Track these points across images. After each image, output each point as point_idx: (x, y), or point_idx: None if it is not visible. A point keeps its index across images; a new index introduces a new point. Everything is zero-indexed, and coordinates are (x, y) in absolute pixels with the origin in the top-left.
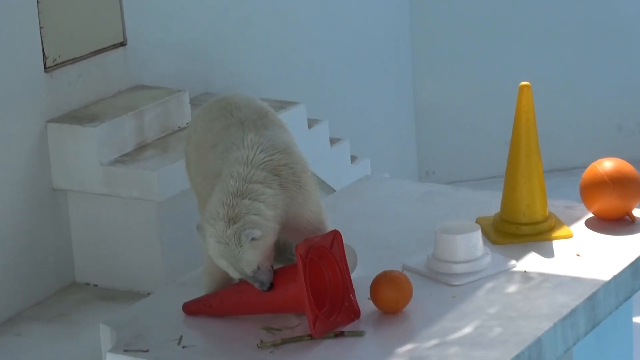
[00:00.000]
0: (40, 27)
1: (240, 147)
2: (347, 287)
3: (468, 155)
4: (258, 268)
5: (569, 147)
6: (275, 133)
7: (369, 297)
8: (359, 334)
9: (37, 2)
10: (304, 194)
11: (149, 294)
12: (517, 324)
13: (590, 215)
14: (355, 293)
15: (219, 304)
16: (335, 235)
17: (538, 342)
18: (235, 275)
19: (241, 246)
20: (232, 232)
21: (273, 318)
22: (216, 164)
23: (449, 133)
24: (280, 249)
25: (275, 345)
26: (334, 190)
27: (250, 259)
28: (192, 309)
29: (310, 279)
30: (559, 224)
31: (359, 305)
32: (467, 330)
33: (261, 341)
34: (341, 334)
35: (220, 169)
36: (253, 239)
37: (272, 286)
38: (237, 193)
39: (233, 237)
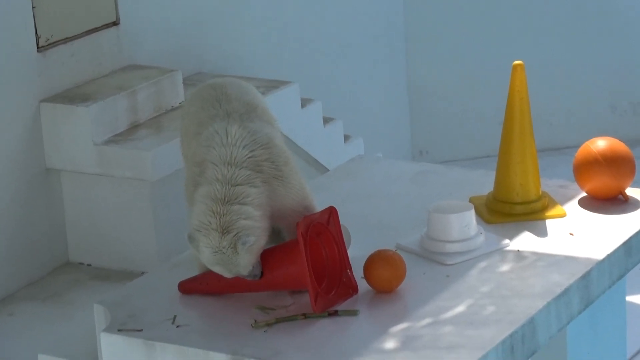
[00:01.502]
0: (33, 7)
1: (224, 142)
2: (344, 262)
3: (461, 134)
4: (252, 267)
5: (562, 126)
6: (260, 126)
7: (363, 276)
8: (352, 313)
9: None
10: (286, 186)
11: (142, 273)
12: (511, 303)
13: (584, 194)
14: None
15: (216, 282)
16: (332, 211)
17: (531, 321)
18: (228, 276)
19: (237, 254)
20: (227, 243)
21: (267, 297)
22: (199, 151)
23: (443, 112)
24: (275, 230)
25: (269, 324)
26: (327, 170)
27: (247, 263)
28: (188, 287)
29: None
30: (552, 203)
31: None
32: (460, 309)
33: (255, 321)
34: (335, 313)
35: (202, 158)
36: (249, 245)
37: (262, 274)
38: (224, 199)
39: (229, 247)
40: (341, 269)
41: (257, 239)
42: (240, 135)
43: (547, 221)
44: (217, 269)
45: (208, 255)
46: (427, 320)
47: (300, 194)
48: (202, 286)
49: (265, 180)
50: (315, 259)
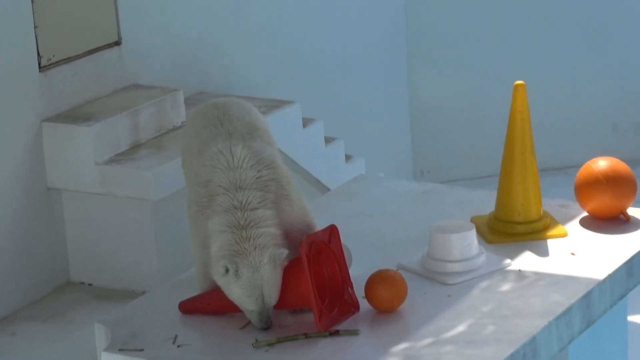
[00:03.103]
0: (35, 27)
1: (230, 164)
2: (345, 281)
3: (463, 154)
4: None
5: (564, 146)
6: (261, 146)
7: (364, 295)
8: (353, 332)
9: (32, 1)
10: (292, 205)
11: (144, 293)
12: (512, 323)
13: (585, 214)
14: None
15: (219, 301)
16: (332, 229)
17: (532, 340)
18: (256, 307)
19: (276, 269)
20: (267, 259)
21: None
22: (203, 172)
23: (444, 132)
24: None
25: (270, 344)
26: (329, 190)
27: (280, 284)
28: (189, 307)
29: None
30: (553, 222)
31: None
32: (461, 328)
33: (256, 340)
34: (336, 333)
35: (207, 179)
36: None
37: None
38: (248, 224)
39: (269, 263)
40: (343, 287)
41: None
42: (245, 155)
43: (549, 241)
44: (254, 294)
45: (249, 277)
46: (428, 340)
47: (303, 212)
48: (204, 306)
49: (274, 200)
50: (317, 278)
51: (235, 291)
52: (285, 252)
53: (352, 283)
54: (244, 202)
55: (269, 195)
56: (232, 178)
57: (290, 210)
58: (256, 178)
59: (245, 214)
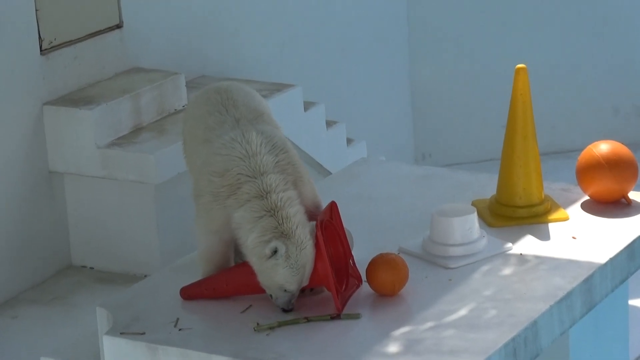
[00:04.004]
0: (36, 10)
1: (249, 151)
2: (347, 254)
3: (464, 138)
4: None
5: (565, 129)
6: (271, 130)
7: (365, 279)
8: (355, 316)
9: None
10: (305, 187)
11: (145, 276)
12: (513, 306)
13: (587, 198)
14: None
15: (225, 286)
16: (332, 206)
17: (534, 324)
18: (295, 287)
19: (313, 245)
20: (309, 234)
21: (270, 301)
22: (217, 161)
23: (446, 116)
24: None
25: (271, 328)
26: (330, 173)
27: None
28: (192, 293)
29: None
30: (555, 206)
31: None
32: (462, 312)
33: (257, 324)
34: (337, 317)
35: (223, 168)
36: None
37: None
38: (283, 205)
39: (310, 238)
40: (345, 263)
41: None
42: (260, 141)
43: (550, 225)
44: (297, 276)
45: (297, 256)
46: (429, 324)
47: (314, 192)
48: (209, 291)
49: (293, 182)
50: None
51: (282, 272)
52: (314, 223)
53: (352, 255)
54: (273, 186)
55: (289, 177)
56: (253, 165)
57: (305, 191)
58: (275, 162)
59: (279, 196)
